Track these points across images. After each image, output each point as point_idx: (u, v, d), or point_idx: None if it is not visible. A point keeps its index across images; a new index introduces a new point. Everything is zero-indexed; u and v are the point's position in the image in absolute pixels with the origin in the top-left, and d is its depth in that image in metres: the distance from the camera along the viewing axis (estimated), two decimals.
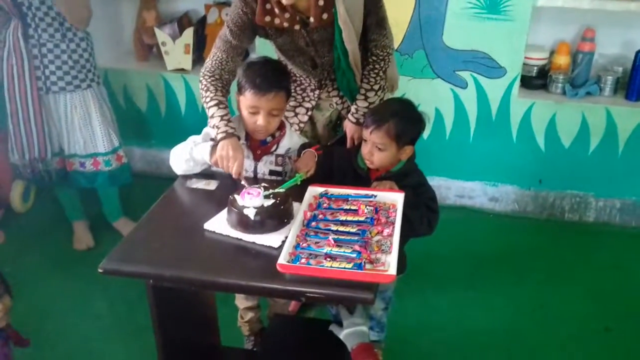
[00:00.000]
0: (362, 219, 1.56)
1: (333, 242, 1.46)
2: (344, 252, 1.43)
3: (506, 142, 3.11)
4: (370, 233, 1.51)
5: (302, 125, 2.15)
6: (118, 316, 2.51)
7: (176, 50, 3.23)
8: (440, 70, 3.01)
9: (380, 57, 1.98)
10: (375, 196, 1.66)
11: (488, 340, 2.40)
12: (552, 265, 2.86)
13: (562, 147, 3.06)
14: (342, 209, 1.62)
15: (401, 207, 1.60)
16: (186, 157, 1.84)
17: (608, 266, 2.86)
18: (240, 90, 1.81)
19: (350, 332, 1.59)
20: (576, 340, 2.41)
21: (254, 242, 1.52)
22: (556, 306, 2.60)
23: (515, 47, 2.87)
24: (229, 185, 1.74)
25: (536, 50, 3.03)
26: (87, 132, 2.74)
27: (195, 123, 3.26)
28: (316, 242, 1.48)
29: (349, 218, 1.57)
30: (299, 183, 1.72)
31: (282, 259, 1.41)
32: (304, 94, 2.16)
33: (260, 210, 1.54)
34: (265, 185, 1.62)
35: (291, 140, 1.93)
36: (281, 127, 1.91)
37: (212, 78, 1.89)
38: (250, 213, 1.53)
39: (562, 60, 3.02)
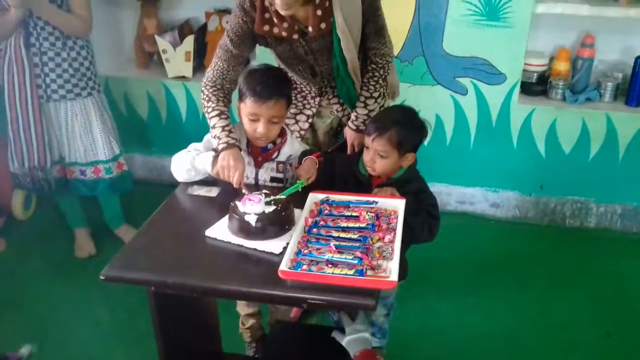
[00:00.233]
0: (363, 225, 1.56)
1: (334, 249, 1.46)
2: (345, 258, 1.43)
3: (507, 148, 3.11)
4: (372, 239, 1.51)
5: (302, 132, 2.15)
6: (120, 323, 2.51)
7: (177, 58, 3.24)
8: (440, 77, 3.02)
9: (380, 65, 1.99)
10: (377, 202, 1.67)
11: (489, 346, 2.40)
12: (553, 271, 2.85)
13: (562, 152, 3.07)
14: (343, 216, 1.62)
15: (402, 214, 1.60)
16: (188, 166, 1.84)
17: (609, 272, 2.86)
18: (241, 98, 1.82)
19: (353, 338, 1.59)
20: (577, 346, 2.41)
21: (255, 249, 1.53)
22: (557, 312, 2.59)
23: (515, 53, 2.88)
24: (230, 192, 1.74)
25: (536, 57, 3.04)
26: (87, 140, 2.74)
27: (196, 130, 3.27)
28: (317, 249, 1.48)
29: (350, 224, 1.57)
30: (300, 190, 1.72)
31: (284, 266, 1.41)
32: (305, 102, 2.16)
33: (262, 216, 1.54)
34: (267, 192, 1.63)
35: (292, 147, 1.93)
36: (282, 134, 1.92)
37: (214, 88, 1.90)
38: (252, 219, 1.54)
39: (562, 66, 3.03)
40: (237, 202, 1.59)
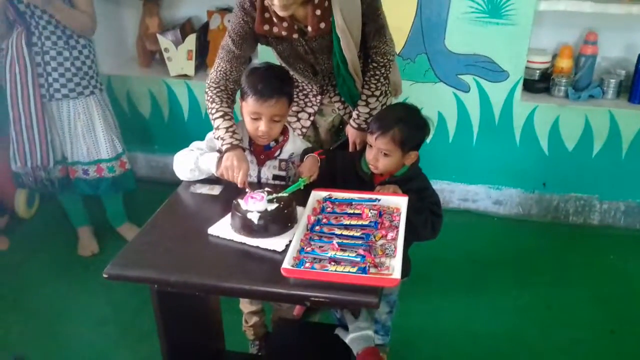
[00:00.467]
0: (366, 222, 1.57)
1: (337, 246, 1.46)
2: (348, 256, 1.43)
3: (509, 146, 3.11)
4: (375, 237, 1.51)
5: (304, 130, 2.15)
6: (123, 321, 2.52)
7: (179, 57, 3.25)
8: (443, 75, 3.02)
9: (381, 64, 1.98)
10: (379, 200, 1.66)
11: (493, 344, 2.40)
12: (556, 269, 2.85)
13: (565, 150, 3.06)
14: (345, 213, 1.62)
15: (405, 211, 1.60)
16: (191, 166, 1.84)
17: (613, 269, 2.86)
18: (242, 97, 1.82)
19: (356, 336, 1.59)
20: (581, 344, 2.40)
21: (257, 246, 1.53)
22: (561, 309, 2.59)
23: (518, 50, 2.87)
24: (233, 190, 1.74)
25: (539, 54, 3.03)
26: (90, 139, 2.74)
27: (198, 128, 3.28)
28: (320, 246, 1.48)
29: (353, 222, 1.57)
30: (302, 187, 1.72)
31: (287, 263, 1.41)
32: (307, 100, 2.16)
33: (264, 214, 1.54)
34: (269, 189, 1.63)
35: (294, 145, 1.93)
36: (284, 132, 1.92)
37: (218, 89, 1.90)
38: (254, 217, 1.54)
39: (565, 63, 3.02)
40: (239, 200, 1.59)
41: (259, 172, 1.91)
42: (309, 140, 2.13)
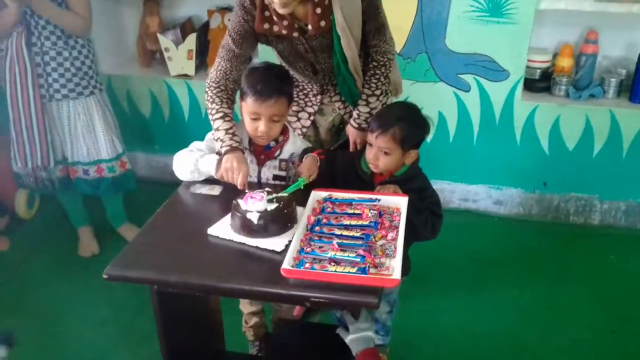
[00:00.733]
0: (366, 223, 1.56)
1: (337, 247, 1.46)
2: (348, 256, 1.42)
3: (510, 145, 3.10)
4: (375, 237, 1.51)
5: (305, 130, 2.15)
6: (123, 322, 2.51)
7: (179, 56, 3.24)
8: (443, 74, 3.01)
9: (381, 63, 1.98)
10: (379, 200, 1.66)
11: (493, 344, 2.39)
12: (557, 269, 2.85)
13: (566, 149, 3.06)
14: (345, 213, 1.62)
15: (405, 211, 1.60)
16: (191, 168, 1.84)
17: (613, 269, 2.85)
18: (242, 97, 1.82)
19: (356, 337, 1.59)
20: (582, 344, 2.40)
21: (257, 247, 1.52)
22: (561, 309, 2.59)
23: (518, 50, 2.87)
24: (233, 191, 1.74)
25: (539, 53, 3.03)
26: (90, 139, 2.74)
27: (198, 128, 3.28)
28: (320, 247, 1.48)
29: (353, 222, 1.57)
30: (302, 187, 1.72)
31: (286, 264, 1.41)
32: (307, 99, 2.16)
33: (264, 214, 1.54)
34: (269, 189, 1.63)
35: (295, 145, 1.93)
36: (284, 132, 1.91)
37: (218, 89, 1.90)
38: (254, 217, 1.53)
39: (566, 62, 3.02)
40: (239, 200, 1.59)
41: (259, 172, 1.90)
42: (309, 140, 2.13)
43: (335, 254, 1.43)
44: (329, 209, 1.64)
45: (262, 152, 1.90)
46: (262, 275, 1.45)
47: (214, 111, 1.86)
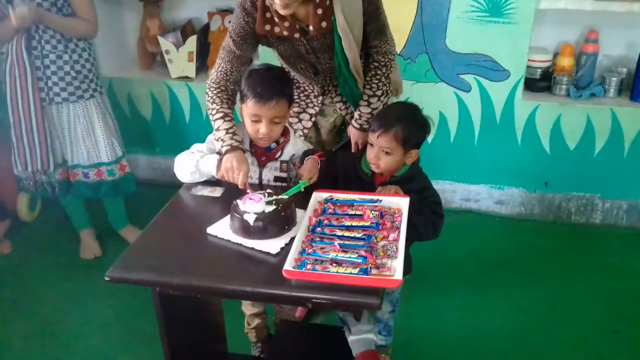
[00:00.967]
0: (367, 224, 1.56)
1: (339, 248, 1.46)
2: (349, 257, 1.42)
3: (511, 145, 3.10)
4: (376, 238, 1.51)
5: (306, 131, 2.15)
6: (125, 324, 2.51)
7: (180, 58, 3.25)
8: (444, 74, 3.01)
9: (382, 63, 1.98)
10: (380, 201, 1.66)
11: (495, 344, 2.39)
12: (558, 268, 2.84)
13: (567, 149, 3.05)
14: (347, 214, 1.62)
15: (406, 212, 1.60)
16: (192, 169, 1.84)
17: (615, 268, 2.85)
18: (242, 99, 1.82)
19: (357, 339, 1.60)
20: (584, 343, 2.40)
21: (253, 248, 1.53)
22: (563, 309, 2.58)
23: (519, 49, 2.87)
24: (234, 192, 1.74)
25: (540, 53, 3.03)
26: (90, 142, 2.74)
27: (199, 130, 3.28)
28: (322, 248, 1.48)
29: (354, 223, 1.57)
30: (302, 190, 1.72)
31: (288, 265, 1.41)
32: (308, 100, 2.16)
33: (261, 215, 1.54)
34: (270, 191, 1.63)
35: (295, 146, 1.93)
36: (285, 133, 1.91)
37: (218, 90, 1.90)
38: (250, 218, 1.53)
39: (566, 62, 3.02)
40: (238, 201, 1.59)
41: (260, 173, 1.90)
42: (311, 141, 2.13)
43: (336, 255, 1.43)
44: (330, 210, 1.64)
45: (263, 153, 1.90)
46: (264, 276, 1.45)
47: (214, 111, 1.86)
